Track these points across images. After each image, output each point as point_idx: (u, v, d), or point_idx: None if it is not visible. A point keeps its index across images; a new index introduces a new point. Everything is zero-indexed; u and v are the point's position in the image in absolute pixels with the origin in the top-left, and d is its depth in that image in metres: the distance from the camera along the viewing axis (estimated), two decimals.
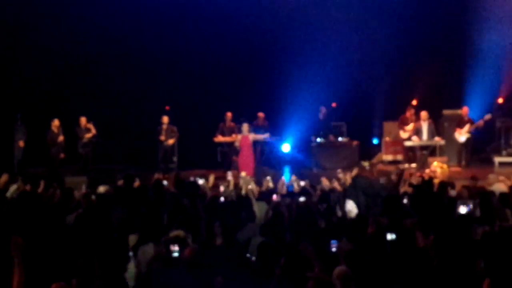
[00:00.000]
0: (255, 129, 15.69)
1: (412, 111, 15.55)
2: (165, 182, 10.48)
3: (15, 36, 16.23)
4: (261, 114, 16.46)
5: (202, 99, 17.33)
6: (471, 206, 6.38)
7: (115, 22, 16.52)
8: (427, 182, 9.62)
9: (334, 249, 5.17)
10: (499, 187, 9.07)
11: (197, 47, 17.33)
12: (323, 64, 17.17)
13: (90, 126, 15.16)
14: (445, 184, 9.09)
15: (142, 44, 17.12)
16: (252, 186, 10.14)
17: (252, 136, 14.24)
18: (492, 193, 7.83)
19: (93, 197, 8.94)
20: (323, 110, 16.37)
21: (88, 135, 15.11)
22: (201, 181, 10.62)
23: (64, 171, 14.16)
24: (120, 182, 10.35)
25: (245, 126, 14.36)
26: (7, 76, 16.07)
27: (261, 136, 14.60)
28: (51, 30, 16.22)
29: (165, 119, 15.68)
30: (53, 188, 9.51)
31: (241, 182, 10.86)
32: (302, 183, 10.46)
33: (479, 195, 7.62)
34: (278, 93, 17.22)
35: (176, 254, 5.02)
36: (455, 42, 16.59)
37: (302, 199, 7.86)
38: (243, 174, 12.01)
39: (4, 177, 9.80)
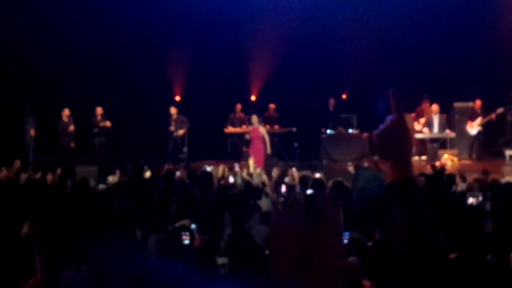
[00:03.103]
0: (265, 120, 15.70)
1: (428, 103, 15.48)
2: (177, 173, 10.55)
3: (26, 26, 16.26)
4: (272, 105, 16.45)
5: (213, 90, 17.33)
6: (480, 198, 6.36)
7: (126, 12, 16.54)
8: (439, 172, 9.59)
9: (345, 241, 5.16)
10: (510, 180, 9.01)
11: (207, 38, 17.32)
12: (334, 55, 17.13)
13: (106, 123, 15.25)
14: (453, 177, 9.06)
15: (152, 34, 17.12)
16: (264, 178, 10.15)
17: (262, 129, 14.21)
18: (505, 186, 7.77)
19: (102, 186, 9.01)
20: (332, 101, 16.34)
21: (104, 124, 15.18)
22: (209, 168, 10.67)
23: (75, 161, 14.25)
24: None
25: (254, 118, 14.32)
26: (17, 66, 16.12)
27: (267, 139, 14.30)
28: (62, 20, 16.25)
29: (173, 110, 15.63)
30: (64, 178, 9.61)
31: (252, 173, 10.89)
32: (318, 175, 10.45)
33: (490, 188, 7.57)
34: (287, 84, 17.21)
35: (186, 242, 5.05)
36: (468, 34, 16.47)
37: (309, 191, 7.84)
38: (251, 162, 12.00)
39: (17, 164, 9.87)
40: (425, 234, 1.49)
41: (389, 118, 1.59)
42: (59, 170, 10.28)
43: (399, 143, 1.57)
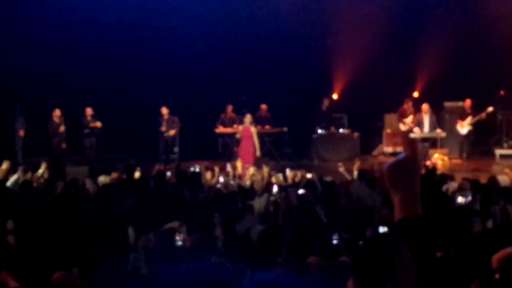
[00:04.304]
0: (257, 120, 15.69)
1: (410, 103, 15.54)
2: (168, 173, 10.54)
3: (16, 26, 16.19)
4: (264, 106, 16.41)
5: (204, 90, 17.32)
6: (469, 197, 6.38)
7: (116, 12, 16.51)
8: (431, 172, 9.62)
9: (335, 242, 5.18)
10: (503, 179, 9.01)
11: (199, 37, 17.31)
12: (323, 55, 17.17)
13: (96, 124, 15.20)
14: (444, 176, 9.09)
15: (143, 34, 17.10)
16: (256, 178, 10.16)
17: (253, 130, 14.19)
18: (497, 185, 7.78)
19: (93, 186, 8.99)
20: (325, 101, 16.34)
21: (94, 124, 15.13)
22: (198, 169, 10.66)
23: (66, 161, 14.20)
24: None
25: (248, 117, 14.28)
26: (7, 66, 16.04)
27: (256, 141, 14.28)
28: (52, 20, 16.20)
29: (164, 110, 15.62)
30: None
31: (241, 174, 10.90)
32: (309, 176, 10.45)
33: (481, 188, 7.57)
34: (279, 84, 17.21)
35: (179, 243, 5.05)
36: (456, 33, 16.55)
37: (301, 191, 7.85)
38: (239, 164, 11.99)
39: (6, 165, 9.80)
40: (436, 280, 1.51)
41: (402, 155, 1.66)
42: (44, 165, 10.23)
43: (409, 178, 1.62)
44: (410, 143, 1.70)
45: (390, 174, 1.64)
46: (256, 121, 15.53)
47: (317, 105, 16.30)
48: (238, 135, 14.35)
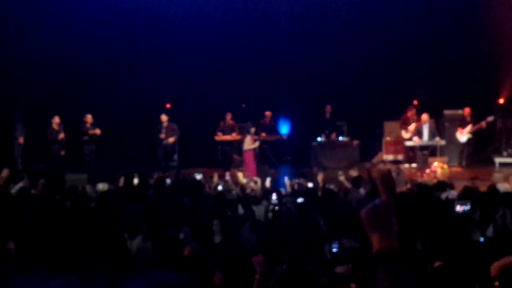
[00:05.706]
0: (262, 128, 15.72)
1: (414, 111, 15.55)
2: (167, 180, 10.54)
3: (15, 33, 16.22)
4: (268, 113, 16.36)
5: (204, 97, 17.33)
6: (468, 206, 6.36)
7: (116, 19, 16.54)
8: (437, 184, 9.60)
9: (335, 250, 5.16)
10: (504, 186, 9.00)
11: (200, 45, 17.34)
12: (323, 64, 17.19)
13: (96, 131, 15.18)
14: (444, 185, 9.08)
15: (143, 42, 17.13)
16: (254, 186, 10.17)
17: (254, 138, 14.26)
18: (497, 193, 7.76)
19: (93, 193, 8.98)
20: (328, 109, 16.31)
21: (93, 132, 15.11)
22: (198, 177, 10.66)
23: (65, 168, 14.18)
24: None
25: (252, 130, 14.45)
26: (6, 73, 16.06)
27: (255, 145, 14.52)
28: (52, 28, 16.23)
29: (164, 117, 15.63)
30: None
31: (243, 181, 10.91)
32: (310, 185, 10.43)
33: (481, 196, 7.55)
34: (278, 92, 17.23)
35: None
36: (456, 41, 16.59)
37: (300, 200, 7.84)
38: (240, 174, 12.00)
39: (5, 173, 9.78)
40: None
41: (378, 200, 1.76)
42: (42, 181, 10.21)
43: (386, 220, 1.74)
44: (386, 183, 1.79)
45: (367, 218, 1.74)
46: (260, 129, 15.57)
47: (320, 113, 16.30)
48: (253, 146, 14.33)
